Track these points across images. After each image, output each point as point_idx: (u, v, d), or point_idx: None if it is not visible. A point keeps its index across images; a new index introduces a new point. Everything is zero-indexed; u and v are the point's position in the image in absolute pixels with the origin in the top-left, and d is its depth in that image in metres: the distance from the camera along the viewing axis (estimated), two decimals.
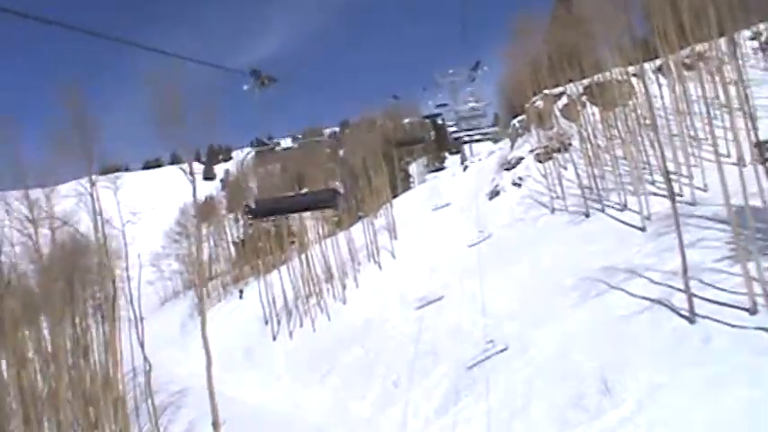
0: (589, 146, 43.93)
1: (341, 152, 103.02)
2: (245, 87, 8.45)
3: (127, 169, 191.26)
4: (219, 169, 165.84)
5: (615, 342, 24.10)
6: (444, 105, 26.59)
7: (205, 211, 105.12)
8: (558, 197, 44.89)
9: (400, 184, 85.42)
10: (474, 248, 42.32)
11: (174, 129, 30.35)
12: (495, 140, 71.67)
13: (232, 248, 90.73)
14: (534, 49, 47.58)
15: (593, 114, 47.02)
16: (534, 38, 47.09)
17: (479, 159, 71.31)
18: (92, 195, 30.67)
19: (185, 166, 33.84)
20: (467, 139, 26.97)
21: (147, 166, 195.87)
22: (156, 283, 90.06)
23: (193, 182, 31.71)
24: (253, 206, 8.82)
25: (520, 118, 60.29)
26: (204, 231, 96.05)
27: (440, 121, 30.88)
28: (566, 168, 46.61)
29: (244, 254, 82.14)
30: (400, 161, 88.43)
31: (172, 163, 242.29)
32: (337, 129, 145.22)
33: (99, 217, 31.25)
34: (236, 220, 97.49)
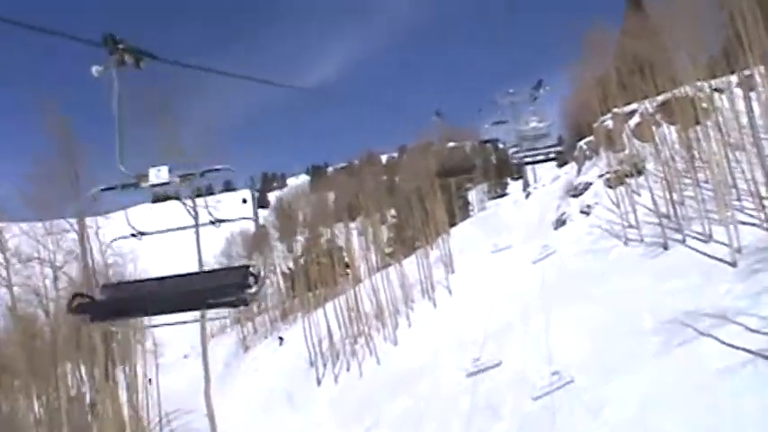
0: (666, 169, 40.46)
1: (397, 179, 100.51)
2: (95, 71, 5.24)
3: (178, 197, 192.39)
4: (274, 197, 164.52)
5: (711, 404, 20.60)
6: (504, 122, 24.39)
7: (256, 240, 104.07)
8: (631, 226, 41.51)
9: (458, 212, 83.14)
10: (538, 284, 39.31)
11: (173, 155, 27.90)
12: (561, 164, 68.89)
13: (281, 280, 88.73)
14: (603, 64, 44.96)
15: (670, 134, 43.76)
16: (603, 52, 44.32)
17: (543, 185, 69.57)
18: (79, 234, 28.38)
19: (204, 199, 31.16)
20: (529, 160, 24.51)
21: (198, 194, 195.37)
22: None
23: (196, 218, 28.97)
24: (93, 297, 5.23)
25: (587, 139, 57.44)
26: (253, 263, 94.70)
27: (500, 146, 28.70)
28: (639, 194, 43.25)
29: (293, 286, 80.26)
30: (458, 188, 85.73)
31: (225, 190, 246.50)
32: (395, 154, 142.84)
33: (90, 259, 28.95)
34: (290, 250, 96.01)
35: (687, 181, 39.52)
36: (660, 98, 44.21)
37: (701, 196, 36.16)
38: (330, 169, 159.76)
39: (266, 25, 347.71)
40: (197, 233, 29.52)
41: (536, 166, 65.24)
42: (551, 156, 24.19)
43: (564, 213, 51.50)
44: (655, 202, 39.82)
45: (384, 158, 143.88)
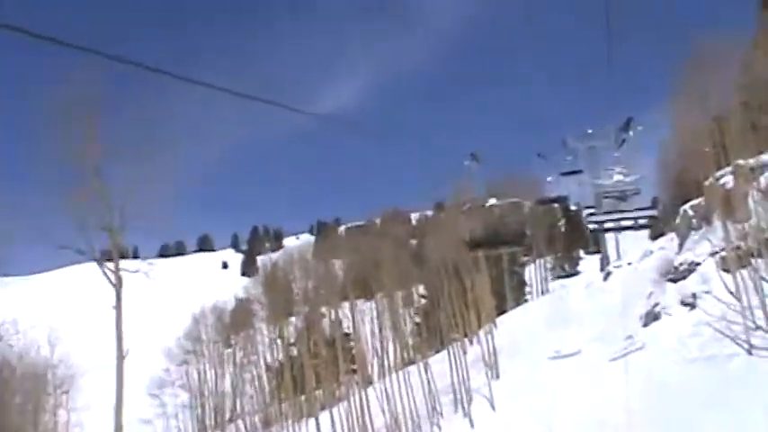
0: None
1: (431, 246, 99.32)
2: None
3: (135, 256, 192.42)
4: (264, 262, 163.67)
5: None
6: (577, 173, 23.60)
7: (236, 319, 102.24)
8: (759, 328, 39.43)
9: (510, 294, 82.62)
10: (618, 402, 38.19)
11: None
12: (655, 235, 67.56)
13: (265, 377, 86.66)
14: (722, 95, 43.49)
15: None
16: (722, 78, 43.06)
17: (629, 263, 68.31)
18: None
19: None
20: (610, 226, 23.10)
21: (165, 253, 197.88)
22: (154, 421, 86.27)
23: (118, 288, 26.69)
24: None
25: (694, 202, 55.80)
26: (228, 350, 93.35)
27: (572, 207, 27.77)
28: None
29: (281, 385, 78.36)
30: (512, 262, 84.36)
31: (200, 249, 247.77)
32: (430, 212, 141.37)
33: None
34: (281, 336, 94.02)
35: None
36: None
37: None
38: (342, 228, 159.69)
39: (266, 32, 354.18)
40: (118, 311, 27.72)
41: (620, 235, 63.18)
42: (641, 222, 22.73)
43: (658, 304, 49.83)
44: None
45: (414, 217, 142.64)
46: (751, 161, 45.48)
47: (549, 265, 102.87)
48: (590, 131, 23.14)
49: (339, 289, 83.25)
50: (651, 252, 64.23)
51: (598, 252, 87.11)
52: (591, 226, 23.36)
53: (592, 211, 22.79)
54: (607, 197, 22.77)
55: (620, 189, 22.44)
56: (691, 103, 46.77)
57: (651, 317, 49.34)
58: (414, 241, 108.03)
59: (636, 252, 68.69)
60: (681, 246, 56.56)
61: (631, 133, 21.59)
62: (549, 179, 24.10)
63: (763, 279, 40.95)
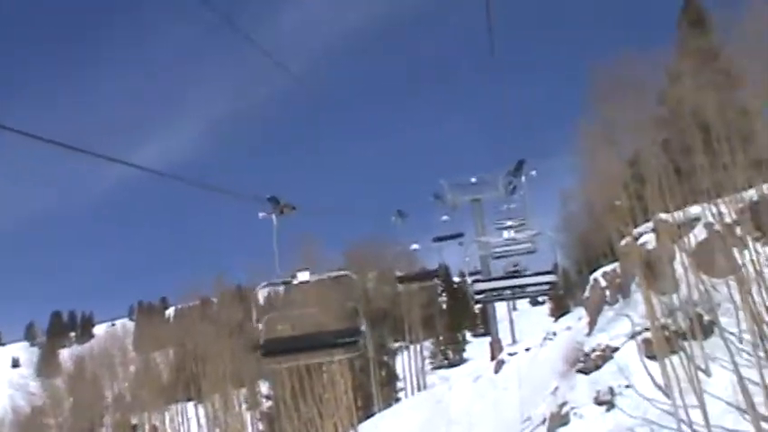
0: (760, 327, 37.88)
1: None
2: None
3: None
4: (68, 356, 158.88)
5: None
6: (456, 237, 24.60)
7: None
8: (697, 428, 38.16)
9: (378, 391, 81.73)
10: None
11: None
12: (558, 312, 67.15)
13: None
14: (636, 131, 43.94)
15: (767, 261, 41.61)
16: (637, 109, 43.08)
17: (527, 349, 67.45)
18: None
19: None
20: (498, 294, 21.01)
21: None
22: None
23: None
24: None
25: (606, 269, 55.77)
26: None
27: (455, 279, 26.48)
28: (709, 373, 40.67)
29: None
30: (380, 349, 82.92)
31: None
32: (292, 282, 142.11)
33: None
34: None
35: None
36: (746, 194, 42.40)
37: None
38: (170, 311, 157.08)
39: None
40: None
41: (515, 312, 62.41)
42: (541, 290, 21.14)
43: (566, 403, 48.30)
44: (742, 386, 36.75)
45: (261, 295, 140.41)
46: (676, 215, 45.45)
47: (427, 353, 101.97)
48: (473, 180, 24.99)
49: (165, 388, 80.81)
50: (554, 334, 63.85)
51: (488, 334, 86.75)
52: (477, 296, 22.24)
53: (477, 277, 22.14)
54: (498, 257, 23.80)
55: (511, 247, 23.02)
56: (598, 144, 46.46)
57: (557, 420, 47.54)
58: (260, 326, 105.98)
59: (535, 334, 68.40)
60: (592, 325, 55.84)
61: (524, 179, 22.44)
62: (413, 246, 24.71)
63: (699, 369, 40.25)
